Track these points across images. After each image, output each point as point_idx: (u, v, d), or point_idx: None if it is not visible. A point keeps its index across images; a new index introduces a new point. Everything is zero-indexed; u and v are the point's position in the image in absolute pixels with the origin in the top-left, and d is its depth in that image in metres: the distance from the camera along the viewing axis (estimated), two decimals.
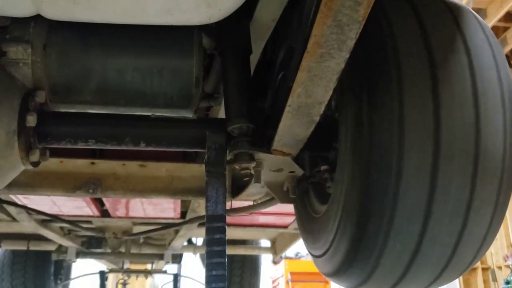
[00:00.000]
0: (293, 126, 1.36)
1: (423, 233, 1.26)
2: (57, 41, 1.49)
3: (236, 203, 2.83)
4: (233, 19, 1.36)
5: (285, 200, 1.84)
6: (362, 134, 1.30)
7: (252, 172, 1.55)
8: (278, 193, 1.84)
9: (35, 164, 1.53)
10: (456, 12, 1.38)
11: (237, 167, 1.53)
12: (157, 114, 1.61)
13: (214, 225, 1.48)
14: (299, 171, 1.67)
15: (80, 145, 1.53)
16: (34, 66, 1.47)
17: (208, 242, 1.45)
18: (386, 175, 1.24)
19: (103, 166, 2.42)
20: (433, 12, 1.35)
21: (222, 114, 1.86)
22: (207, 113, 2.15)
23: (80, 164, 2.40)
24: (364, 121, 1.30)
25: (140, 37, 1.52)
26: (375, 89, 1.28)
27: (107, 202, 3.10)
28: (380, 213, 1.26)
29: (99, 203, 3.22)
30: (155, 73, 1.53)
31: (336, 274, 1.51)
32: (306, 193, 1.83)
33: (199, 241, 5.15)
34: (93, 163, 2.41)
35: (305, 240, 1.82)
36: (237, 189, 2.46)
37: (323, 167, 1.61)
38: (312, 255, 1.73)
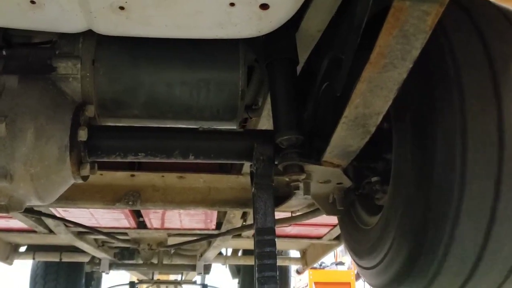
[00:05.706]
0: (347, 137, 1.34)
1: (487, 236, 1.23)
2: (105, 56, 1.50)
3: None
4: (281, 30, 1.35)
5: (332, 212, 1.81)
6: (423, 144, 1.27)
7: (301, 184, 1.54)
8: (324, 205, 1.81)
9: (85, 178, 1.53)
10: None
11: (287, 179, 1.51)
12: (204, 126, 1.61)
13: (264, 238, 1.46)
14: (347, 183, 1.65)
15: (130, 158, 1.53)
16: (84, 81, 1.48)
17: (258, 256, 1.43)
18: (449, 184, 1.22)
19: (143, 178, 2.42)
20: (490, 20, 1.33)
21: (260, 126, 1.84)
22: (244, 125, 2.14)
23: (119, 177, 2.41)
24: (425, 132, 1.27)
25: (187, 51, 1.52)
26: (435, 100, 1.26)
27: (145, 214, 3.10)
28: (443, 221, 1.24)
29: (136, 214, 3.23)
30: (203, 87, 1.53)
31: (390, 285, 1.48)
32: (352, 205, 1.80)
33: (228, 251, 5.14)
34: (132, 175, 2.42)
35: (353, 252, 1.78)
36: (276, 200, 2.43)
37: (374, 179, 1.58)
38: (360, 267, 1.70)
